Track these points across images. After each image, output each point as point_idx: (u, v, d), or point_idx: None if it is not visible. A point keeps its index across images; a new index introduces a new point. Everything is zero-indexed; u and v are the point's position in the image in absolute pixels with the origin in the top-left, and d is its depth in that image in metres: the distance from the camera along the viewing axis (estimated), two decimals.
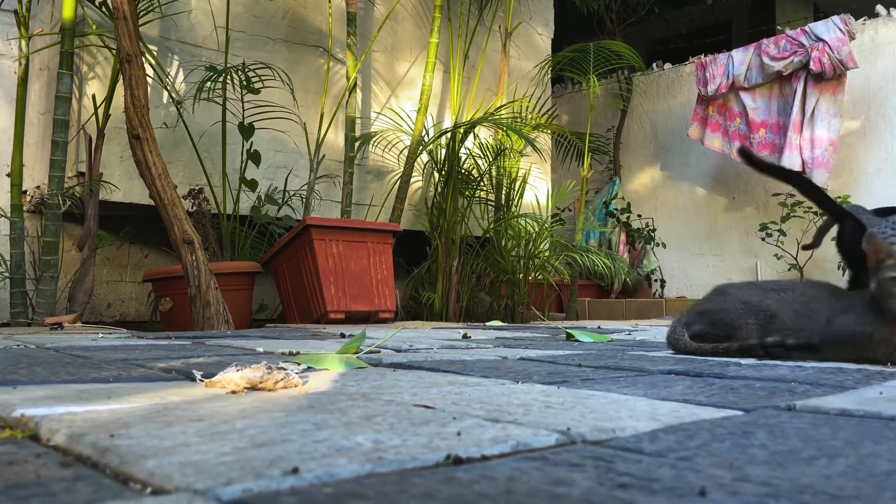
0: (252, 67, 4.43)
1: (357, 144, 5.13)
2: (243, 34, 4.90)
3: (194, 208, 4.31)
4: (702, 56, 6.78)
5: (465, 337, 2.73)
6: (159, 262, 4.93)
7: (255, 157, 4.55)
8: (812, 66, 5.74)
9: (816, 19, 7.12)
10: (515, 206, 5.58)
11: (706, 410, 1.01)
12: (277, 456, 0.67)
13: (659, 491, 0.58)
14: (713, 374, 1.46)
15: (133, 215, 4.67)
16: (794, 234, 6.13)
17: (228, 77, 4.43)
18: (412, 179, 5.30)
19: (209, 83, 4.35)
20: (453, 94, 5.77)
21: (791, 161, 5.89)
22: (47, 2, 4.49)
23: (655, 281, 7.00)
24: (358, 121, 5.22)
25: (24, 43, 4.08)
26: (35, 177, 4.52)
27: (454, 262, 5.13)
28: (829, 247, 6.38)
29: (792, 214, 5.97)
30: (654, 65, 7.57)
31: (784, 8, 8.69)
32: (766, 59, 6.08)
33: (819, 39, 5.76)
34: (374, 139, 5.33)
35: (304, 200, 4.89)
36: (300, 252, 4.26)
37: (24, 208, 4.22)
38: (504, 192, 5.58)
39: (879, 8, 6.14)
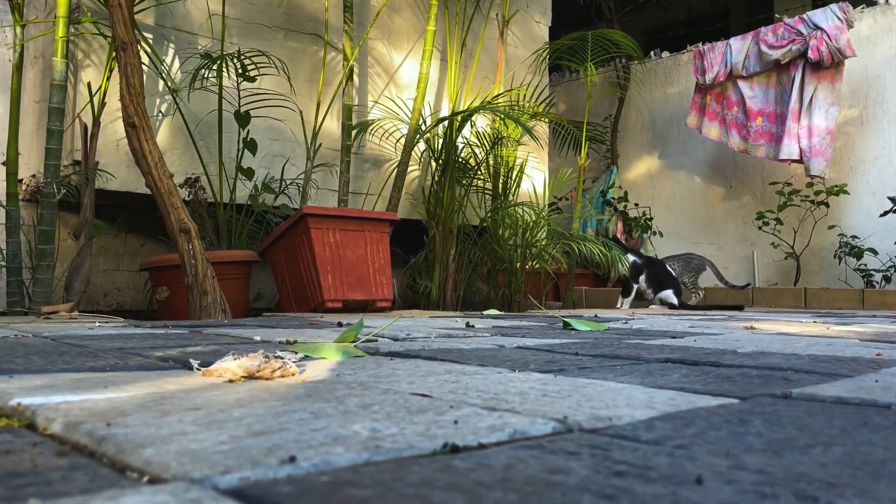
0: (248, 55, 4.40)
1: (354, 133, 5.11)
2: (239, 22, 4.88)
3: (191, 197, 4.30)
4: (700, 44, 6.76)
5: (468, 326, 2.72)
6: (156, 251, 4.92)
7: (251, 145, 4.53)
8: (810, 54, 5.72)
9: (814, 7, 7.09)
10: (513, 195, 5.58)
11: (702, 399, 1.01)
12: (274, 444, 0.67)
13: (655, 479, 0.58)
14: (709, 363, 1.47)
15: (129, 204, 4.65)
16: (790, 223, 6.13)
17: (224, 65, 4.41)
18: (409, 168, 5.29)
19: (205, 71, 4.33)
20: (450, 82, 5.75)
21: (789, 149, 5.89)
22: None
23: None
24: (355, 109, 5.20)
25: (18, 30, 4.05)
26: (31, 165, 4.50)
27: (451, 251, 5.13)
28: (826, 235, 6.36)
29: (789, 203, 5.98)
30: (652, 53, 7.54)
31: None
32: (763, 48, 6.06)
33: (817, 28, 5.75)
34: (371, 128, 5.31)
35: (301, 189, 4.88)
36: (297, 241, 4.25)
37: (20, 197, 4.20)
38: (501, 180, 5.57)
39: None
